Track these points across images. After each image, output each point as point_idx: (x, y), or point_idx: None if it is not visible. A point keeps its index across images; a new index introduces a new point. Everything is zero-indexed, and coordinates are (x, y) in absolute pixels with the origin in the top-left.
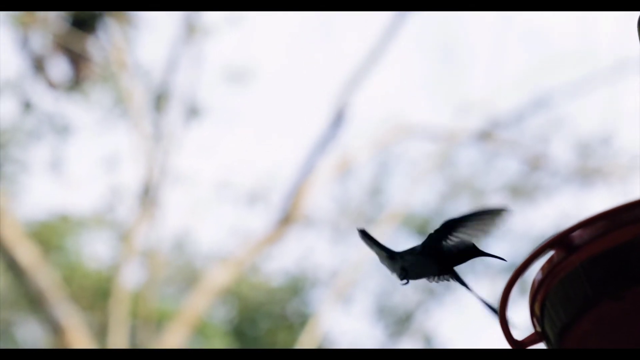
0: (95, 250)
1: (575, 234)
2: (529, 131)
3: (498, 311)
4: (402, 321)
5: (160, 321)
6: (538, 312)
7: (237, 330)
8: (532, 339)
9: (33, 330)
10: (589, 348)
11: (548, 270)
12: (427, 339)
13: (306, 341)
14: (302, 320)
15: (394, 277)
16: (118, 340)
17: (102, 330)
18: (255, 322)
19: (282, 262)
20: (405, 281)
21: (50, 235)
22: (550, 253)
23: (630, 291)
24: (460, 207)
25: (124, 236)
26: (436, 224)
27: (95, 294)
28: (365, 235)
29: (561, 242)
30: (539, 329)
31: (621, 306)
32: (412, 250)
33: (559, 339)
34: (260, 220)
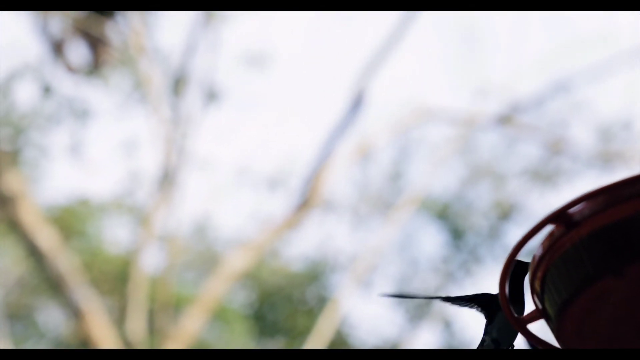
0: (115, 234)
1: (576, 209)
2: (550, 115)
3: (498, 288)
4: (422, 306)
5: (179, 306)
6: (538, 289)
7: (257, 315)
8: (532, 316)
9: (54, 314)
10: (590, 342)
11: (548, 246)
12: (447, 323)
13: (325, 326)
14: (321, 304)
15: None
16: (136, 324)
17: (121, 315)
18: (274, 307)
19: (301, 246)
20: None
21: (70, 220)
22: (551, 229)
23: (631, 267)
24: (481, 192)
25: (143, 221)
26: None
27: (116, 279)
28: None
29: (561, 217)
30: (539, 306)
31: (621, 282)
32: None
33: (559, 315)
34: (279, 205)
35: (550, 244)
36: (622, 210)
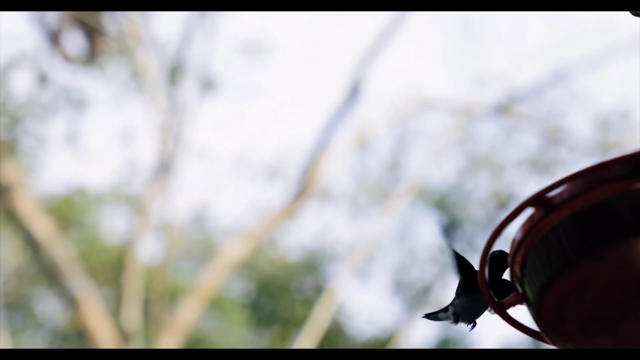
0: (112, 224)
1: (556, 192)
2: (548, 105)
3: (478, 272)
4: (420, 295)
5: (176, 295)
6: (518, 273)
7: (254, 304)
8: (512, 300)
9: (51, 304)
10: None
11: (528, 229)
12: None
13: (322, 315)
14: (318, 294)
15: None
16: (132, 314)
17: (118, 305)
18: (271, 296)
19: (299, 236)
20: (470, 326)
21: (67, 209)
22: (531, 212)
23: (610, 250)
24: (479, 182)
25: (140, 210)
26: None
27: (112, 268)
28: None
29: (540, 200)
30: (519, 290)
31: (600, 265)
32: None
33: (538, 299)
34: (277, 194)
35: (530, 227)
36: (601, 192)
